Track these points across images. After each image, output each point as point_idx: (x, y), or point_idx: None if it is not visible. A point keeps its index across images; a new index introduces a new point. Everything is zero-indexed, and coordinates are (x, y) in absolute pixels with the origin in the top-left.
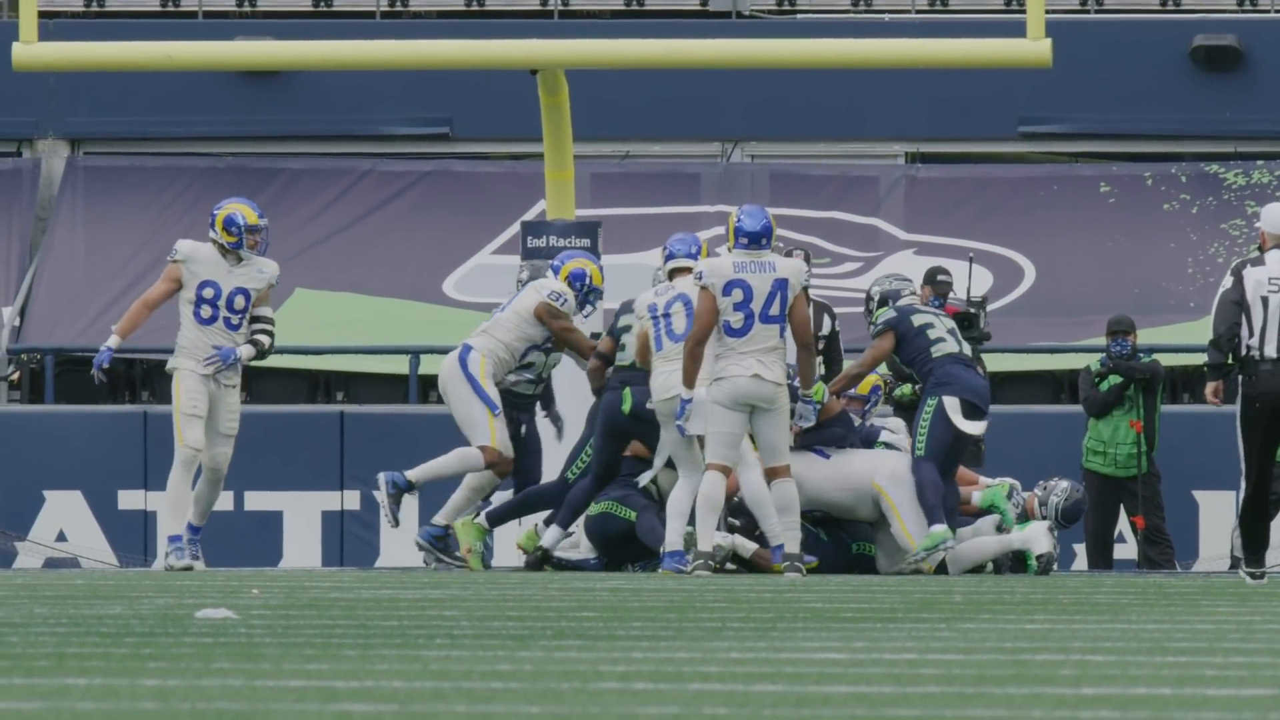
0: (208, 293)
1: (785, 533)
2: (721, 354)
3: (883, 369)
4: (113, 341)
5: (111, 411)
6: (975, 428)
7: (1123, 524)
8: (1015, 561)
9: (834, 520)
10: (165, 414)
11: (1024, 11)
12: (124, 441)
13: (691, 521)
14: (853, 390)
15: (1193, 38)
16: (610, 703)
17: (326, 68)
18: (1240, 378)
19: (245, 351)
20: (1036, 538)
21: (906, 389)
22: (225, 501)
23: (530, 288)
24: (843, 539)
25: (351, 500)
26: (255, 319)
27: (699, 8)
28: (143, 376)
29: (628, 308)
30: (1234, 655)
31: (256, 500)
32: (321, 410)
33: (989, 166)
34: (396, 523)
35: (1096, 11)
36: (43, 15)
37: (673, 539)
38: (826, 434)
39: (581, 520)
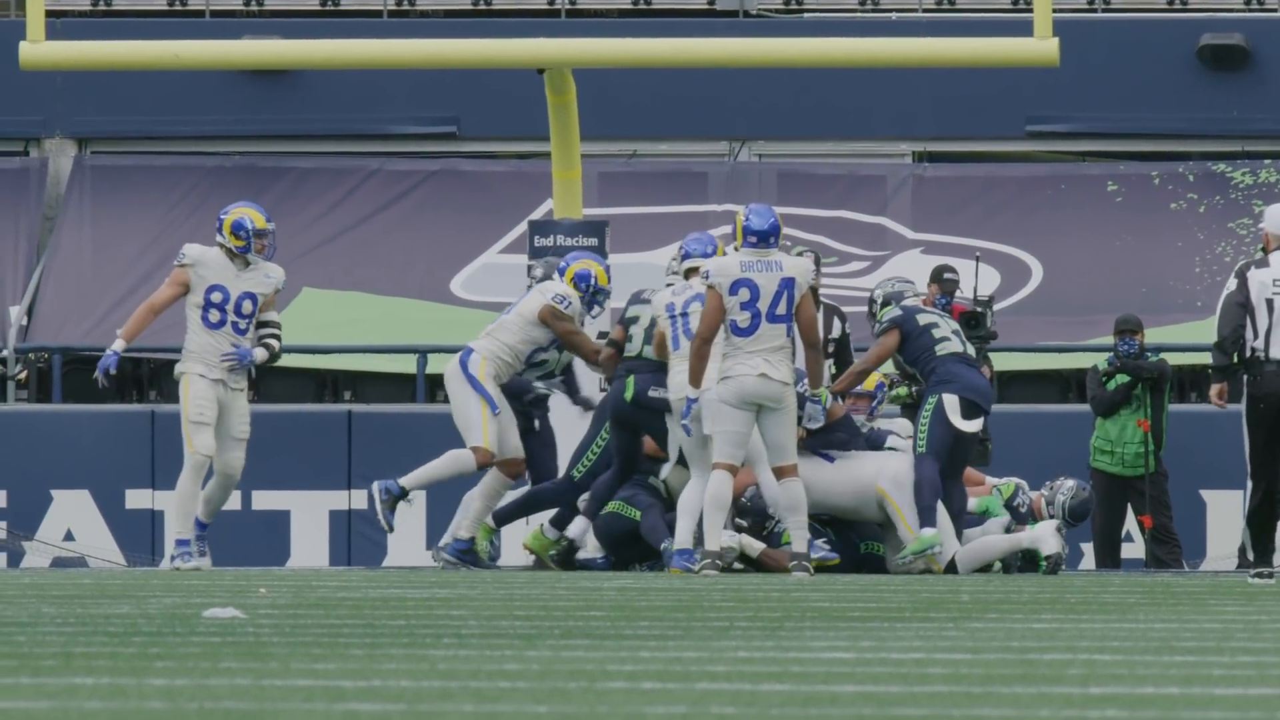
0: (216, 297)
1: (793, 532)
2: (728, 353)
3: (888, 367)
4: (118, 346)
5: (119, 411)
6: (971, 426)
7: (1130, 523)
8: (1026, 562)
9: (842, 520)
10: (173, 413)
11: (1031, 11)
12: (131, 441)
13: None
14: (859, 387)
15: (1200, 37)
16: (618, 702)
17: (334, 67)
18: (1245, 378)
19: (259, 354)
20: (1044, 537)
21: (903, 391)
22: (233, 501)
23: (535, 290)
24: (851, 539)
25: (359, 500)
26: (262, 324)
27: (706, 7)
28: (150, 376)
29: (637, 298)
30: (1241, 654)
31: (264, 500)
32: (329, 410)
33: (996, 166)
34: (390, 528)
35: (1104, 11)
36: (50, 14)
37: (682, 537)
38: (830, 438)
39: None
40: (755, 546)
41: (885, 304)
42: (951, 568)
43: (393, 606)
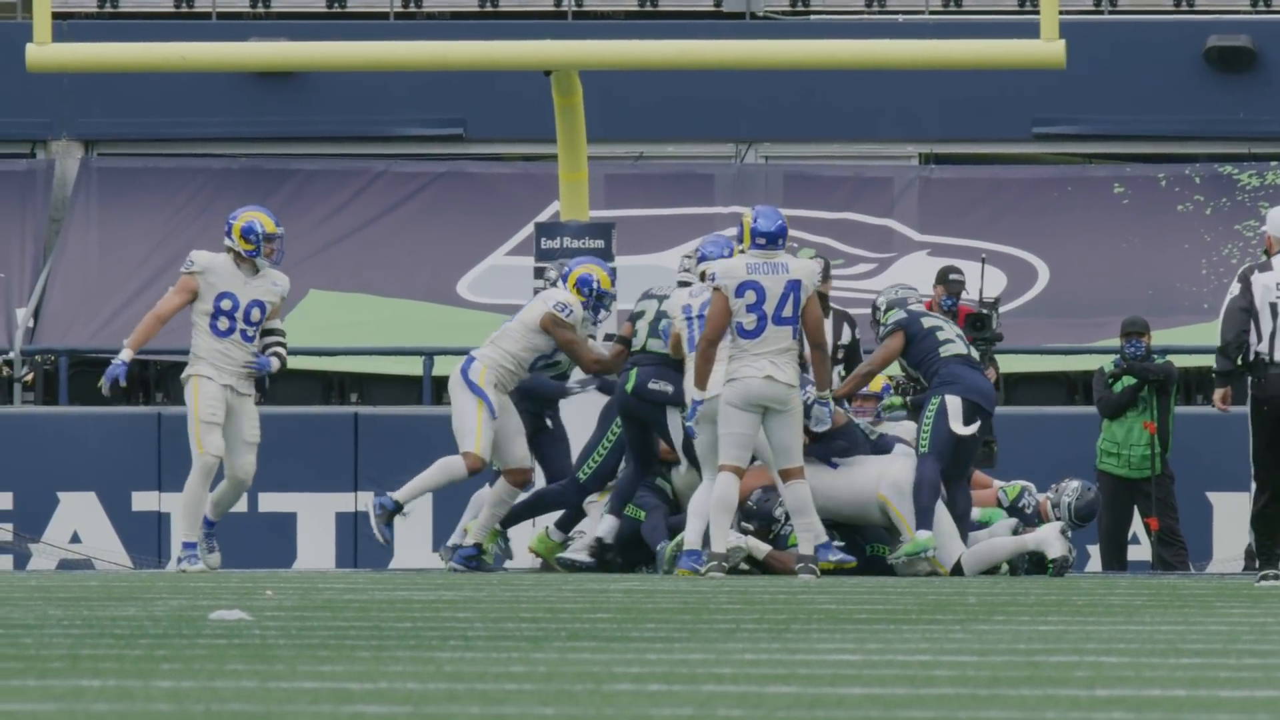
0: (225, 304)
1: (800, 534)
2: (734, 355)
3: (893, 369)
4: (125, 356)
5: (125, 413)
6: (969, 430)
7: (1136, 525)
8: (1034, 564)
9: (848, 523)
10: (179, 415)
11: (1037, 12)
12: (138, 443)
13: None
14: (865, 389)
15: (1206, 38)
16: (624, 704)
17: (340, 69)
18: (1249, 381)
19: (274, 364)
20: (1049, 540)
21: (897, 400)
22: (239, 503)
23: (538, 299)
24: (857, 541)
25: (365, 501)
26: (267, 332)
27: (713, 9)
28: (157, 378)
29: (648, 294)
30: (1248, 657)
31: (270, 502)
32: (335, 411)
33: (1003, 168)
34: (385, 540)
35: (1110, 12)
36: (57, 16)
37: (692, 538)
38: (831, 446)
39: (585, 523)
40: (761, 548)
41: (889, 308)
42: (958, 570)
43: (399, 608)
